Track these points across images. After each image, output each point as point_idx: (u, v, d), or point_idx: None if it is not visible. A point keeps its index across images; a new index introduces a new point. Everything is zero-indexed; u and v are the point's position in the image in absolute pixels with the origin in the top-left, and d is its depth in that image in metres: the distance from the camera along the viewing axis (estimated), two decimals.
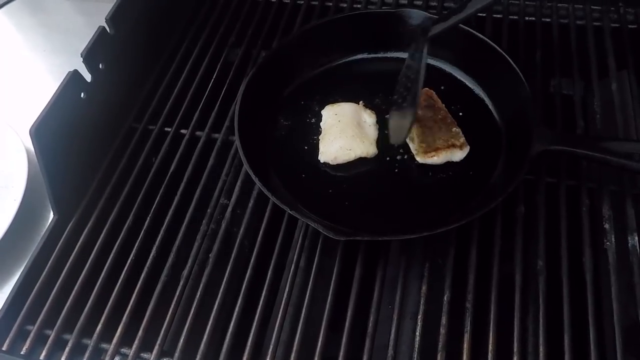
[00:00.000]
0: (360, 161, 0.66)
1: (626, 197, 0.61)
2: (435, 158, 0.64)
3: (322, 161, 0.66)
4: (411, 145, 0.66)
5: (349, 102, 0.70)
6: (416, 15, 0.72)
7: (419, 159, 0.65)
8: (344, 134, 0.65)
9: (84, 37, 0.68)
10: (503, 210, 0.61)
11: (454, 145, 0.64)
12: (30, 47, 0.97)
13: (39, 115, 0.60)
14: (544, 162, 0.64)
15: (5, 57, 0.95)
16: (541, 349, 0.53)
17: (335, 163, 0.66)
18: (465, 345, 0.54)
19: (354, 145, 0.65)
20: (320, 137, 0.68)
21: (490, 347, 0.54)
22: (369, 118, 0.69)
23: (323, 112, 0.70)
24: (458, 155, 0.65)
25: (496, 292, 0.57)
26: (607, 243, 0.59)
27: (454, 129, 0.66)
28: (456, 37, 0.71)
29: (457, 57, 0.73)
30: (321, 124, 0.69)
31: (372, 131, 0.68)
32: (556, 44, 0.75)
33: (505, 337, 0.55)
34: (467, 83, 0.72)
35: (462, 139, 0.65)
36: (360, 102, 0.70)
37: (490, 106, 0.69)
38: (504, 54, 0.67)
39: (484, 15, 0.80)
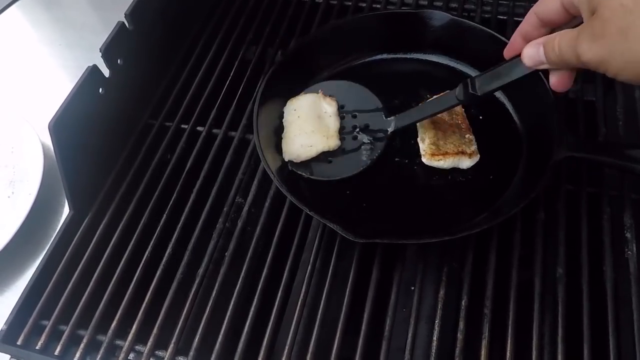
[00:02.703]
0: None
1: None
2: (441, 162, 0.63)
3: (286, 160, 0.65)
4: (421, 145, 0.66)
5: (307, 94, 0.69)
6: (438, 16, 0.72)
7: (425, 160, 0.64)
8: (303, 130, 0.65)
9: (99, 33, 0.68)
10: (523, 217, 0.61)
11: (463, 153, 0.63)
12: (45, 42, 0.97)
13: (58, 110, 0.59)
14: (565, 168, 0.64)
15: (19, 52, 0.95)
16: (559, 357, 0.53)
17: (299, 161, 0.65)
18: (483, 352, 0.54)
19: (314, 140, 0.64)
20: (282, 135, 0.67)
21: (508, 355, 0.53)
22: (329, 107, 0.67)
23: (284, 108, 0.69)
24: (466, 163, 0.64)
25: (515, 299, 0.56)
26: (629, 252, 0.58)
27: (467, 136, 0.65)
28: (477, 40, 0.70)
29: (477, 60, 0.72)
30: (283, 120, 0.68)
31: (332, 122, 0.66)
32: None
33: (523, 345, 0.54)
34: None
35: (474, 147, 0.64)
36: (320, 90, 0.69)
37: (511, 110, 0.69)
38: None
39: (505, 17, 0.80)
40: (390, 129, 0.65)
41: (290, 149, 0.65)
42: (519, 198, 0.58)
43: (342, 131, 0.67)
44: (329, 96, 0.69)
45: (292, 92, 0.71)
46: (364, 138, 0.66)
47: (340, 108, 0.68)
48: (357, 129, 0.67)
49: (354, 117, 0.68)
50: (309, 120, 0.66)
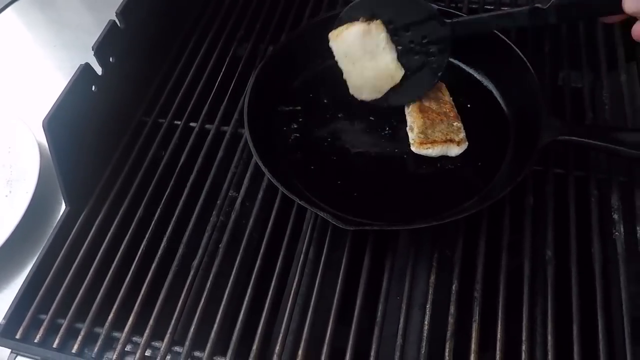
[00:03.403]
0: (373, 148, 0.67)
1: (635, 187, 0.61)
2: (430, 150, 0.64)
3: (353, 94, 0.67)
4: (410, 134, 0.67)
5: (350, 29, 0.63)
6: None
7: (414, 148, 0.65)
8: (365, 78, 0.65)
9: (94, 33, 0.68)
10: (511, 201, 0.61)
11: (451, 140, 0.64)
12: (40, 43, 0.98)
13: (51, 108, 0.60)
14: (553, 153, 0.64)
15: (15, 54, 0.96)
16: (549, 337, 0.54)
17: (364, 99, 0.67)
18: (474, 334, 0.54)
19: (381, 83, 0.65)
20: (343, 77, 0.67)
21: (498, 336, 0.54)
22: (377, 38, 0.62)
23: (332, 46, 0.65)
24: (454, 150, 0.65)
25: (504, 282, 0.57)
26: (616, 233, 0.59)
27: (455, 124, 0.66)
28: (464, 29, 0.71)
29: (464, 49, 0.72)
30: (336, 60, 0.66)
31: (387, 54, 0.62)
32: (564, 36, 0.75)
33: (513, 327, 0.55)
34: (475, 75, 0.72)
35: (462, 135, 0.65)
36: (361, 18, 0.62)
37: (499, 98, 0.69)
38: (512, 45, 0.67)
39: (492, 7, 0.80)
40: (450, 37, 0.59)
41: (358, 94, 0.67)
42: (507, 182, 0.59)
43: (399, 54, 0.61)
44: (372, 21, 0.61)
45: (284, 85, 0.72)
46: (425, 51, 0.60)
47: (389, 24, 0.61)
48: (415, 44, 0.60)
49: (407, 30, 0.60)
50: (364, 64, 0.63)
